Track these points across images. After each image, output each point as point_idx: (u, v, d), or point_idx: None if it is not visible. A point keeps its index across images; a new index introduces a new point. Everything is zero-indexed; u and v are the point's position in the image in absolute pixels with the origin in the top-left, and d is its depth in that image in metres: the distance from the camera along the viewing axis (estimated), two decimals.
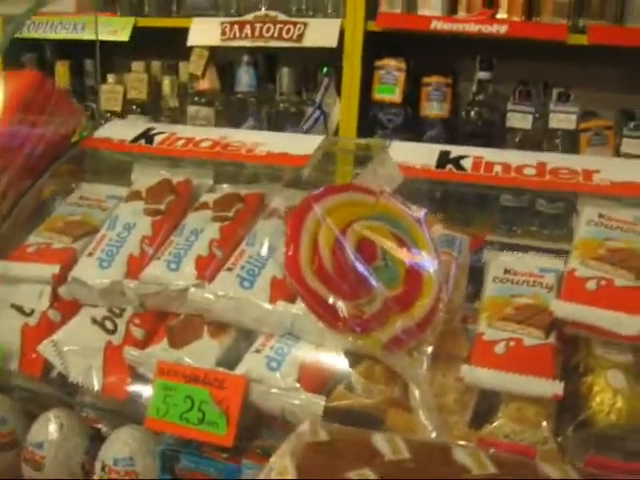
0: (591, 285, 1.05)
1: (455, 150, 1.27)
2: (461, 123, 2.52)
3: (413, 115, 2.51)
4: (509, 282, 1.13)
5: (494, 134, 2.49)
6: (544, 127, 2.48)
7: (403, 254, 0.97)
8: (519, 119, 2.46)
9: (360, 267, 0.92)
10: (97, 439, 1.17)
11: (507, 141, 2.48)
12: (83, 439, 1.17)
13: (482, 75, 2.47)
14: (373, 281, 0.93)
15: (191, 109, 2.54)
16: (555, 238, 2.28)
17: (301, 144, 1.33)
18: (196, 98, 2.54)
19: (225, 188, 1.35)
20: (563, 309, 1.03)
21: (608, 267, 1.07)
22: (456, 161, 1.23)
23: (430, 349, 0.97)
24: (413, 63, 2.52)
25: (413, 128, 2.52)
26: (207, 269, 1.17)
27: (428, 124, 2.50)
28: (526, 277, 1.14)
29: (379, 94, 2.46)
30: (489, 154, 1.26)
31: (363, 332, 0.91)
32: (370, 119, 2.51)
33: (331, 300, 0.91)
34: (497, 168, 1.23)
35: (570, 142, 2.46)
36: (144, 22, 2.60)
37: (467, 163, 1.23)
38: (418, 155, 1.25)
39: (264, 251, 1.15)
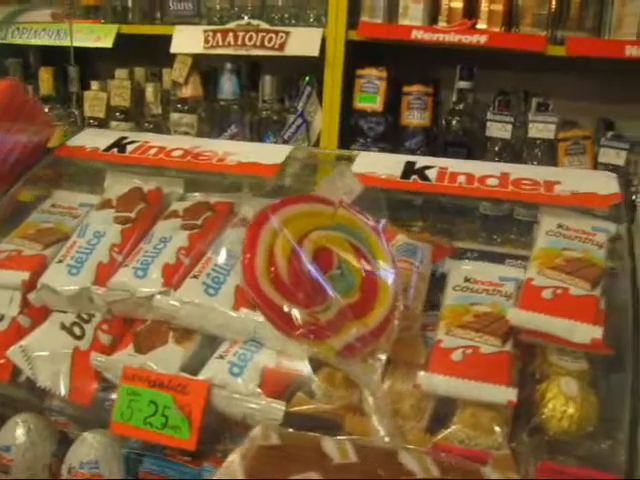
0: (547, 294, 1.07)
1: (421, 161, 1.30)
2: (441, 132, 2.54)
3: (394, 124, 2.52)
4: (469, 290, 1.15)
5: (474, 143, 2.51)
6: (524, 136, 2.50)
7: (359, 263, 0.99)
8: (498, 128, 2.48)
9: (316, 276, 0.95)
10: (65, 443, 1.19)
11: (487, 150, 2.50)
12: (51, 443, 1.19)
13: (462, 84, 2.49)
14: (328, 289, 0.95)
15: (174, 116, 2.56)
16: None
17: (271, 154, 1.36)
18: (179, 105, 2.56)
19: (196, 196, 1.37)
20: (519, 317, 1.06)
21: (564, 276, 1.10)
22: (421, 172, 1.25)
23: (384, 356, 0.99)
24: (394, 72, 2.53)
25: (394, 136, 2.53)
26: (174, 276, 1.19)
27: (409, 133, 2.52)
28: (486, 286, 1.16)
29: (360, 103, 2.48)
30: (454, 165, 1.28)
31: (317, 339, 0.93)
32: (351, 127, 2.53)
33: (286, 308, 0.93)
34: (461, 179, 1.25)
35: (549, 151, 2.48)
36: (127, 29, 2.61)
37: (432, 174, 1.26)
38: (385, 166, 1.27)
39: (229, 259, 1.17)
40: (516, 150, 2.49)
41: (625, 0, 2.32)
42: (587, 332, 1.02)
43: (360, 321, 0.96)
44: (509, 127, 2.47)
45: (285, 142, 2.52)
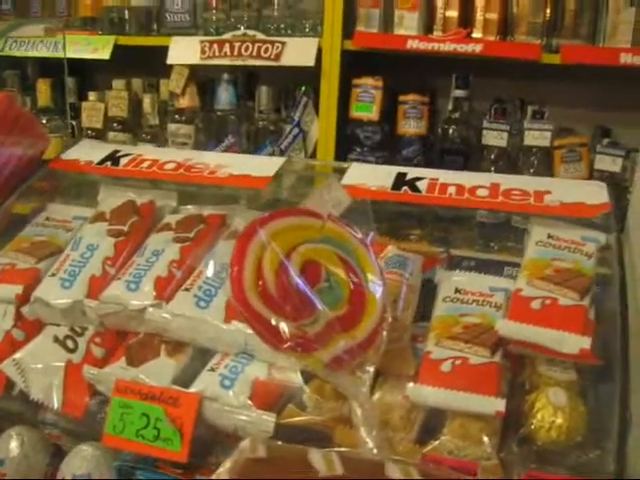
0: (536, 305, 1.08)
1: (412, 172, 1.31)
2: (438, 140, 2.55)
3: (391, 132, 2.53)
4: (459, 301, 1.16)
5: (471, 151, 2.52)
6: (520, 144, 2.51)
7: (347, 276, 1.00)
8: (494, 137, 2.49)
9: (303, 289, 0.95)
10: (58, 455, 1.20)
11: (483, 158, 2.51)
12: (44, 455, 1.19)
13: (458, 93, 2.49)
14: (316, 302, 0.96)
15: (171, 127, 2.57)
16: None
17: (263, 166, 1.36)
18: (176, 116, 2.57)
19: (189, 209, 1.38)
20: (507, 328, 1.06)
21: (553, 287, 1.10)
22: (411, 183, 1.26)
23: (373, 369, 0.99)
24: (391, 81, 2.54)
25: (391, 145, 2.54)
26: (166, 289, 1.20)
27: (405, 141, 2.52)
28: (476, 296, 1.16)
29: (356, 112, 2.49)
30: (445, 176, 1.29)
31: (304, 352, 0.94)
32: (348, 137, 2.54)
33: (273, 321, 0.94)
34: (451, 189, 1.26)
35: (545, 159, 2.49)
36: (124, 40, 2.63)
37: (422, 185, 1.27)
38: (376, 177, 1.28)
39: (220, 272, 1.17)
40: (512, 158, 2.50)
41: (619, 8, 2.33)
42: (576, 342, 1.03)
43: (348, 334, 0.96)
44: (505, 135, 2.48)
45: (282, 152, 2.53)
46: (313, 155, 2.53)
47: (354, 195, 1.16)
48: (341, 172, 1.32)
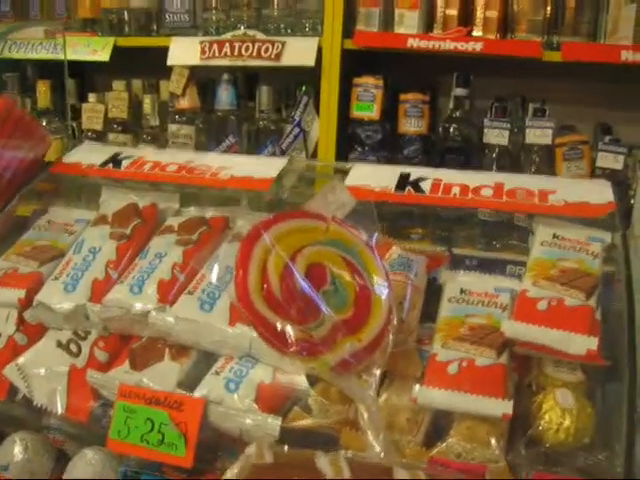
0: (542, 305, 1.07)
1: (416, 172, 1.30)
2: (439, 139, 2.54)
3: (392, 131, 2.52)
4: (464, 302, 1.15)
5: (472, 150, 2.51)
6: (522, 142, 2.50)
7: (353, 278, 0.99)
8: (495, 135, 2.48)
9: (308, 292, 0.95)
10: (62, 460, 1.19)
11: (485, 157, 2.50)
12: (48, 461, 1.19)
13: (459, 92, 2.48)
14: (322, 306, 0.95)
15: (172, 127, 2.56)
16: None
17: (265, 167, 1.36)
18: (177, 116, 2.56)
19: (191, 211, 1.37)
20: (513, 329, 1.05)
21: (559, 287, 1.09)
22: (415, 183, 1.25)
23: (379, 371, 0.99)
24: (391, 80, 2.54)
25: (392, 144, 2.53)
26: (169, 293, 1.19)
27: (406, 140, 2.52)
28: (481, 297, 1.16)
29: (357, 111, 2.48)
30: (448, 176, 1.28)
31: (311, 355, 0.93)
32: (349, 136, 2.53)
33: (279, 325, 0.93)
34: (455, 190, 1.25)
35: (547, 157, 2.48)
36: (124, 42, 2.62)
37: (426, 185, 1.26)
38: (379, 178, 1.28)
39: (224, 275, 1.16)
40: (514, 156, 2.49)
41: (620, 4, 2.32)
42: (582, 343, 1.02)
43: (354, 336, 0.96)
44: (506, 133, 2.47)
45: (283, 152, 2.52)
46: (314, 155, 2.52)
47: (358, 196, 1.15)
48: (344, 172, 1.31)
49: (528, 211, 1.21)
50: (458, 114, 2.50)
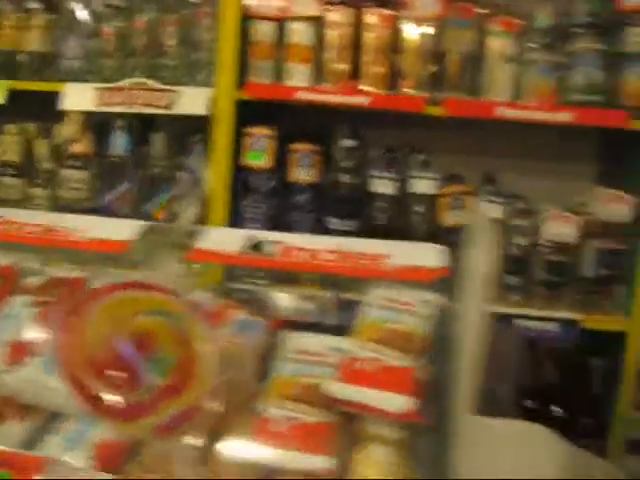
0: (363, 365, 1.13)
1: (265, 236, 1.35)
2: (330, 188, 2.62)
3: (283, 180, 2.59)
4: (299, 362, 1.21)
5: (360, 199, 2.60)
6: (408, 191, 2.61)
7: (178, 345, 1.03)
8: (383, 185, 2.58)
9: (131, 359, 0.99)
10: None
11: (373, 206, 2.59)
12: None
13: (347, 143, 2.58)
14: (144, 372, 0.99)
15: (66, 172, 2.58)
16: None
17: (124, 230, 1.39)
18: (71, 161, 2.58)
19: (51, 271, 1.40)
20: (334, 389, 1.11)
21: (382, 348, 1.16)
22: (262, 247, 1.31)
23: (202, 434, 1.03)
24: (284, 129, 2.61)
25: (284, 193, 2.60)
26: (19, 354, 1.22)
27: (297, 189, 2.59)
28: (317, 357, 1.22)
29: (248, 160, 2.55)
30: (293, 239, 1.34)
31: (128, 420, 0.97)
32: (242, 184, 2.59)
33: (96, 390, 0.97)
34: (300, 254, 1.31)
35: (431, 206, 2.60)
36: (19, 85, 2.63)
37: (271, 249, 1.32)
38: (227, 241, 1.33)
39: None
40: (400, 205, 2.59)
41: (496, 65, 2.47)
42: (402, 403, 1.08)
43: (175, 401, 1.00)
44: (393, 184, 2.57)
45: (176, 199, 2.57)
46: (208, 202, 2.57)
47: (202, 259, 1.20)
48: (197, 237, 1.36)
49: (363, 275, 1.28)
50: (347, 164, 2.59)
